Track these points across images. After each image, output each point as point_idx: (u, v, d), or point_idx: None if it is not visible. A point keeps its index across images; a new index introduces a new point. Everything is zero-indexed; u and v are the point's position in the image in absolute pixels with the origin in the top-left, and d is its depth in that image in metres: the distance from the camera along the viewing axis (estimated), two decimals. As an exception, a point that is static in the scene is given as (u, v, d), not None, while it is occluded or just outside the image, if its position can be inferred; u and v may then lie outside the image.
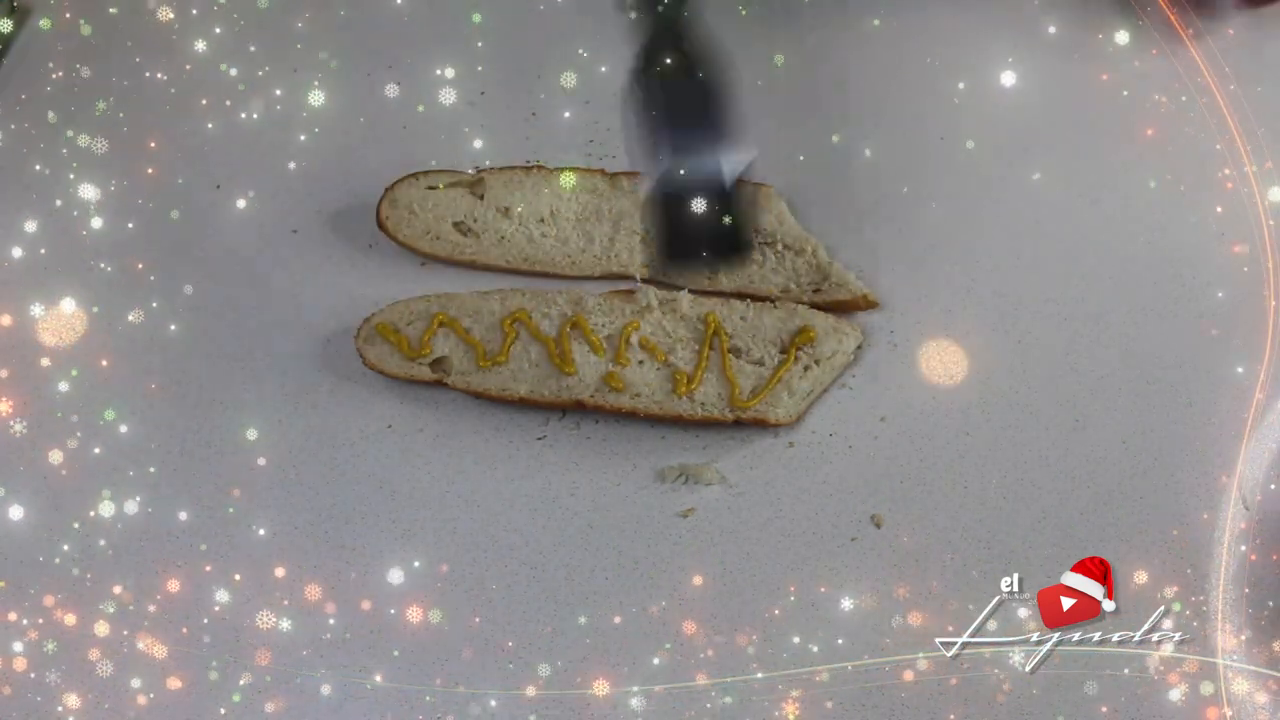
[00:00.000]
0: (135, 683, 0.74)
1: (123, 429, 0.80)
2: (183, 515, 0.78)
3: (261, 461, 0.79)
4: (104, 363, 0.82)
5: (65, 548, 0.77)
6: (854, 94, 0.88)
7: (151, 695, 0.74)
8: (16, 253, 0.85)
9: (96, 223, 0.85)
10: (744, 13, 0.86)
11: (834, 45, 0.87)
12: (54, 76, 0.89)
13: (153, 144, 0.88)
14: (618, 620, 0.74)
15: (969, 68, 0.84)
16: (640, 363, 0.78)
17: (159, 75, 0.89)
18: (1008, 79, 0.84)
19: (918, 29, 0.87)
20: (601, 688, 0.73)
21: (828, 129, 0.88)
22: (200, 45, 0.88)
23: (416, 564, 0.76)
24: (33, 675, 0.75)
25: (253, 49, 0.88)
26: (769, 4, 0.86)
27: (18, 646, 0.75)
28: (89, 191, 0.86)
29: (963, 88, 0.85)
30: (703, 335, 0.79)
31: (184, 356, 0.82)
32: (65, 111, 0.89)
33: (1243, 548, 0.74)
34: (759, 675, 0.73)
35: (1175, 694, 0.71)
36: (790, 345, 0.79)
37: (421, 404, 0.80)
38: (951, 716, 0.71)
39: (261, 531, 0.77)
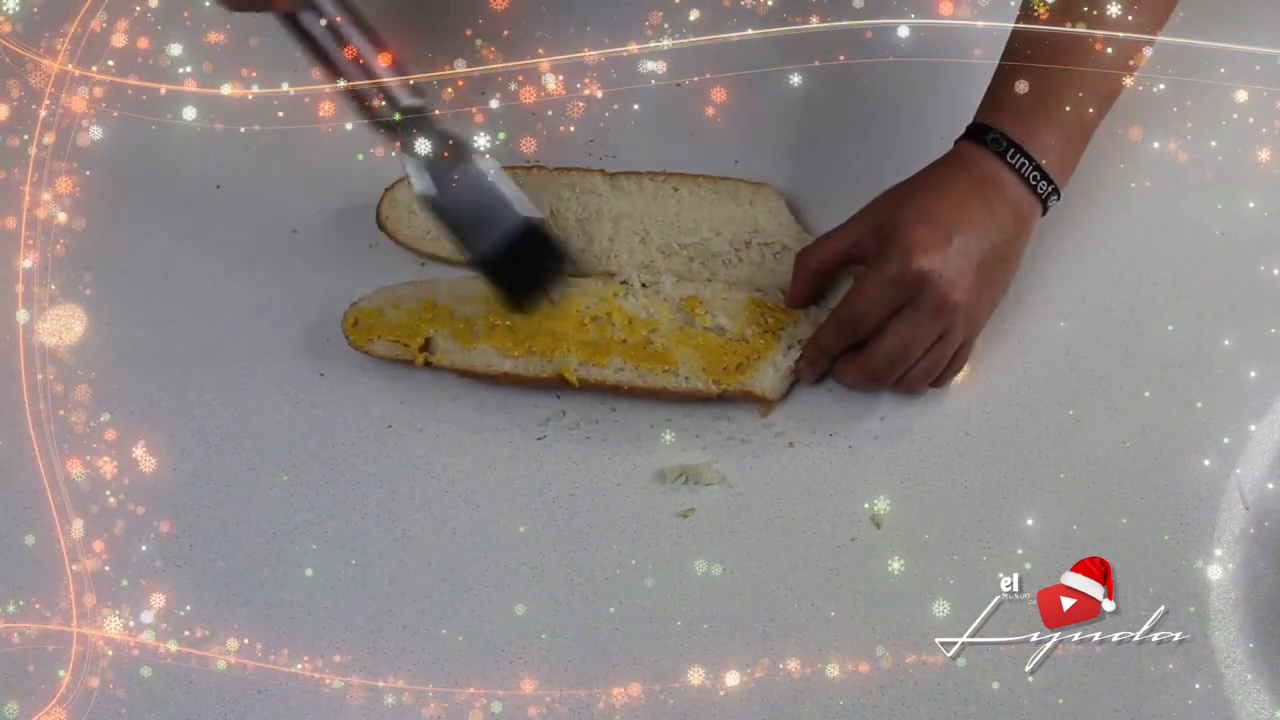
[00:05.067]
0: (125, 680, 0.74)
1: (120, 430, 0.80)
2: (181, 516, 0.78)
3: (261, 462, 0.79)
4: (102, 364, 0.82)
5: (61, 551, 0.77)
6: (854, 94, 0.88)
7: (143, 694, 0.74)
8: (15, 243, 0.84)
9: (95, 222, 0.85)
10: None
11: (836, 46, 0.87)
12: (53, 68, 0.89)
13: (152, 143, 0.88)
14: (617, 620, 0.74)
15: (971, 67, 0.83)
16: (623, 341, 0.78)
17: (158, 74, 0.89)
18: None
19: (921, 29, 0.87)
20: (602, 687, 0.73)
21: (827, 129, 0.88)
22: (200, 44, 0.88)
23: (416, 564, 0.76)
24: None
25: (255, 48, 0.88)
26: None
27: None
28: (88, 190, 0.86)
29: (964, 87, 0.85)
30: (684, 315, 0.79)
31: (183, 357, 0.82)
32: (63, 107, 0.88)
33: (1242, 547, 0.74)
34: (758, 674, 0.73)
35: (1175, 694, 0.71)
36: (773, 326, 0.79)
37: (421, 404, 0.80)
38: (951, 716, 0.71)
39: (261, 532, 0.77)
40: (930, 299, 0.73)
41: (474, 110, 0.84)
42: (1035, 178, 0.75)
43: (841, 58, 0.83)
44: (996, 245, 0.74)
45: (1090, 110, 0.76)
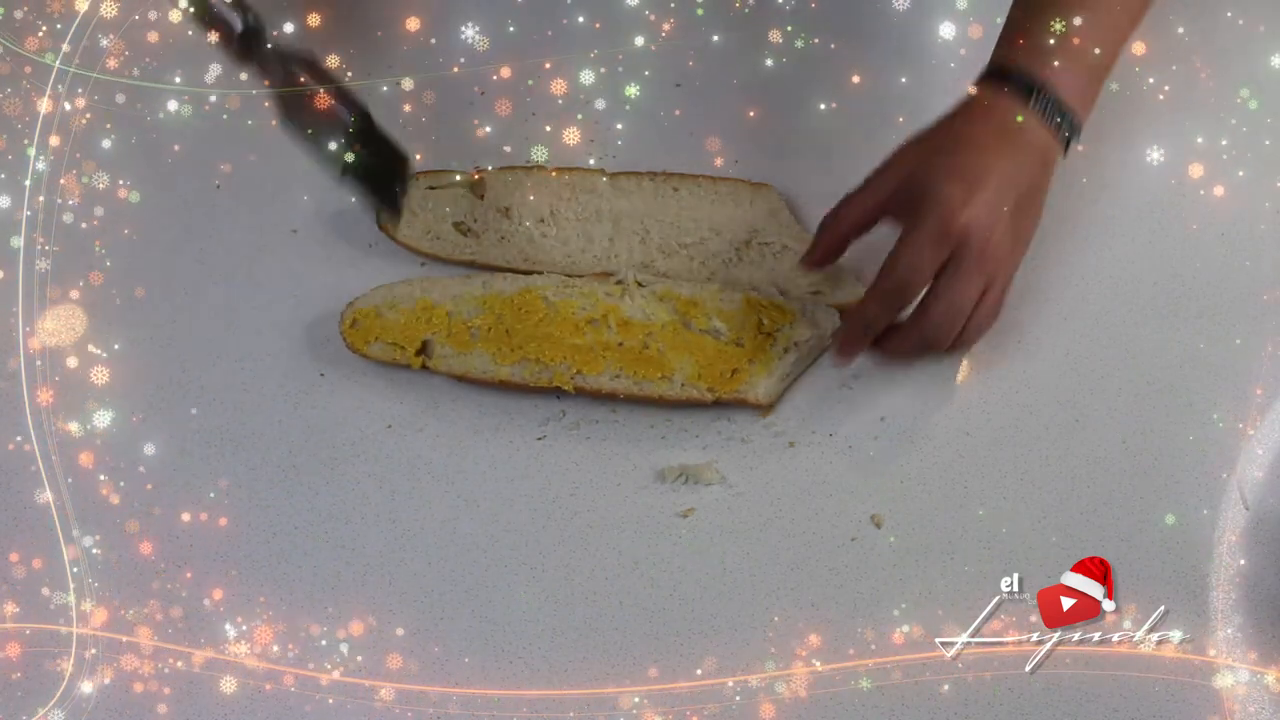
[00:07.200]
0: (124, 681, 0.74)
1: (121, 430, 0.80)
2: (181, 516, 0.78)
3: (261, 462, 0.79)
4: (103, 364, 0.82)
5: (61, 551, 0.77)
6: (855, 93, 0.88)
7: (143, 694, 0.74)
8: (15, 243, 0.84)
9: (95, 221, 0.85)
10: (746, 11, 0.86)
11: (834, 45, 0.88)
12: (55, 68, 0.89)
13: (152, 143, 0.88)
14: (617, 620, 0.74)
15: (973, 67, 0.83)
16: (619, 344, 0.78)
17: (160, 73, 0.89)
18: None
19: (922, 29, 0.87)
20: (602, 688, 0.73)
21: (828, 129, 0.88)
22: (202, 43, 0.88)
23: (416, 564, 0.76)
24: None
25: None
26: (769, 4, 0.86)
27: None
28: (88, 190, 0.86)
29: (965, 87, 0.85)
30: (681, 317, 0.79)
31: (183, 356, 0.82)
32: (63, 107, 0.89)
33: (1242, 547, 0.74)
34: (758, 674, 0.73)
35: (1175, 694, 0.71)
36: (769, 328, 0.79)
37: (421, 404, 0.80)
38: (951, 716, 0.71)
39: (261, 532, 0.77)
40: (972, 252, 0.72)
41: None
42: (1058, 122, 0.75)
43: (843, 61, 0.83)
44: (1022, 192, 0.74)
45: (1109, 48, 0.75)
